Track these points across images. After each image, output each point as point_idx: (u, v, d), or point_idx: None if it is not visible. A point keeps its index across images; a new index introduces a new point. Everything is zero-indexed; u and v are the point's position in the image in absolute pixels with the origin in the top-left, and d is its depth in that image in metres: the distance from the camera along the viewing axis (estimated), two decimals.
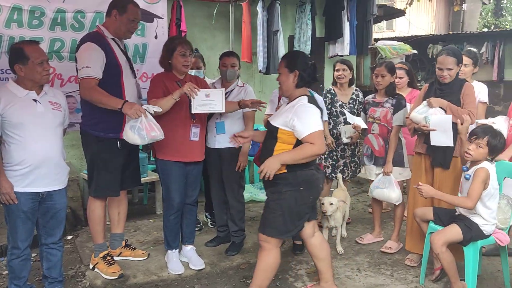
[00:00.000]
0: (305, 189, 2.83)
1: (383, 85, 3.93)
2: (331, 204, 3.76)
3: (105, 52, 3.14)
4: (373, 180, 4.03)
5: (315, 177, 2.88)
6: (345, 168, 4.42)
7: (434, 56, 12.60)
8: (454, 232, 2.98)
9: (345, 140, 4.19)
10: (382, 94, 3.97)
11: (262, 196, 4.24)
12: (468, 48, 5.03)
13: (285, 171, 2.79)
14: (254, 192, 5.55)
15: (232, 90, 3.78)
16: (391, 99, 3.92)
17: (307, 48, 5.99)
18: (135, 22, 3.29)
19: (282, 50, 5.81)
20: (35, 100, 2.79)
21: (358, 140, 4.35)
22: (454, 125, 3.25)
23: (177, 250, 3.62)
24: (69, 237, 4.19)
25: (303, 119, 2.73)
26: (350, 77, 4.37)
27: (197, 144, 3.43)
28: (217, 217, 4.07)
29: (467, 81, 3.57)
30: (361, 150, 4.30)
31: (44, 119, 2.81)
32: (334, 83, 4.46)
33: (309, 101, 2.82)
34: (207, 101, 3.18)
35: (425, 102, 3.41)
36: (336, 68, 4.35)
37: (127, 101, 3.06)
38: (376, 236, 4.11)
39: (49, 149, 2.82)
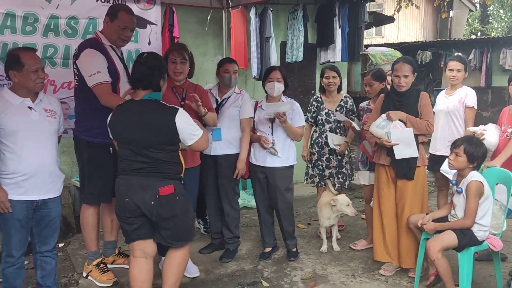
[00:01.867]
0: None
1: (373, 93, 4.03)
2: (348, 205, 3.91)
3: (106, 57, 3.15)
4: (366, 185, 4.09)
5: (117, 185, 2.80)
6: (331, 179, 4.30)
7: (423, 63, 12.77)
8: (450, 238, 3.01)
9: (332, 146, 4.16)
10: (375, 100, 4.01)
11: (254, 202, 4.25)
12: (457, 54, 5.11)
13: None
14: (246, 199, 5.56)
15: (229, 96, 3.78)
16: None
17: (299, 55, 6.02)
18: (127, 30, 3.25)
19: (274, 57, 5.83)
20: (30, 108, 2.77)
21: (347, 152, 4.28)
22: (416, 135, 3.36)
23: None
24: (60, 245, 4.14)
25: None
26: (339, 84, 4.31)
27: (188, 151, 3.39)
28: (212, 224, 4.06)
29: (423, 90, 3.62)
30: (351, 158, 4.28)
31: (39, 126, 2.79)
32: (322, 90, 4.37)
33: None
34: None
35: (383, 115, 3.45)
36: (326, 75, 4.24)
37: None
38: (370, 242, 4.13)
39: (44, 157, 2.80)
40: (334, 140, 4.18)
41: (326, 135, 4.21)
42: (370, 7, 11.17)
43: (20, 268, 2.90)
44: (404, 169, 3.44)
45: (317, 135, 4.32)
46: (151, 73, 2.71)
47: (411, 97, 3.46)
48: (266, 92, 3.85)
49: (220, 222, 3.99)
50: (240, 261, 3.90)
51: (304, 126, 3.90)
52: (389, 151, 3.44)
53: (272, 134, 3.76)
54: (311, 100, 4.46)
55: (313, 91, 6.90)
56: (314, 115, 4.34)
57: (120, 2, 4.17)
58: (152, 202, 2.64)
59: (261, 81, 3.93)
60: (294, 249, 3.97)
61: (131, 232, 2.77)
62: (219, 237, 4.05)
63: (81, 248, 4.04)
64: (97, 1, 4.03)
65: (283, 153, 3.77)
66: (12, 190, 2.72)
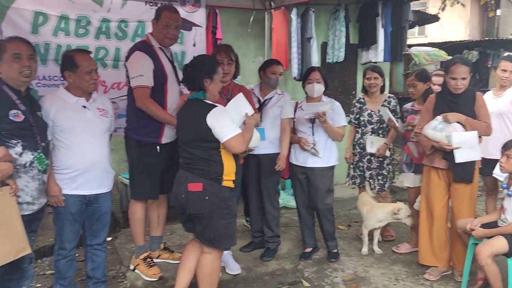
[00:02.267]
0: None
1: (416, 95, 3.95)
2: (408, 216, 3.93)
3: (152, 60, 3.25)
4: (410, 187, 4.02)
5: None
6: (371, 181, 4.26)
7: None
8: (501, 244, 2.93)
9: (370, 150, 4.11)
10: (420, 102, 3.94)
11: (294, 202, 4.27)
12: (507, 54, 4.91)
13: None
14: (286, 199, 5.58)
15: (272, 97, 3.82)
16: None
17: (340, 55, 5.98)
18: (170, 27, 3.32)
19: (315, 57, 5.82)
20: (84, 107, 2.90)
21: (389, 153, 4.20)
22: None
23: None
24: (108, 239, 4.29)
25: None
26: (382, 84, 4.25)
27: None
28: (253, 223, 4.12)
29: (478, 92, 3.48)
30: (393, 160, 4.17)
31: (92, 125, 2.91)
32: (364, 90, 4.33)
33: None
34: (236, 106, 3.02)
35: (439, 117, 3.31)
36: (367, 76, 4.20)
37: None
38: (413, 246, 4.05)
39: (97, 154, 2.93)
40: (374, 143, 4.13)
41: (374, 134, 4.18)
42: (413, 5, 10.93)
43: (72, 260, 3.04)
44: (463, 172, 3.31)
45: (359, 136, 4.29)
46: (193, 75, 2.83)
47: (467, 98, 3.33)
48: (306, 93, 3.87)
49: (261, 221, 4.04)
50: (281, 260, 3.93)
51: (345, 126, 3.88)
52: (446, 154, 3.31)
53: (313, 135, 3.77)
54: (354, 101, 4.43)
55: (353, 92, 6.83)
56: (357, 116, 4.32)
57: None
58: (183, 196, 2.78)
59: (301, 82, 3.93)
60: (335, 250, 3.96)
61: (183, 224, 3.01)
62: (260, 235, 4.10)
63: (128, 242, 4.19)
64: (145, 4, 4.18)
65: (324, 154, 3.77)
66: (65, 185, 2.86)
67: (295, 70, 5.73)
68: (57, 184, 2.83)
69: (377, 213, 4.00)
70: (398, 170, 4.30)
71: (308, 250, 4.00)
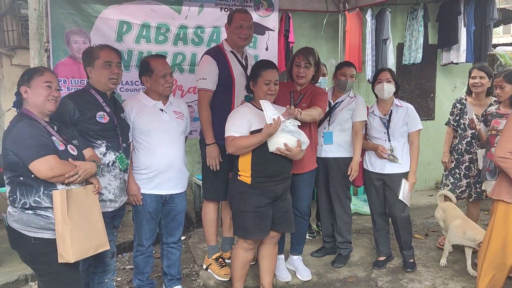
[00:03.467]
0: None
1: (503, 97, 3.64)
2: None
3: (218, 62, 3.33)
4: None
5: None
6: (467, 189, 4.00)
7: None
8: None
9: (481, 165, 3.74)
10: (506, 105, 3.65)
11: (366, 208, 4.12)
12: None
13: None
14: (358, 205, 5.44)
15: (343, 100, 3.74)
16: None
17: (418, 56, 5.74)
18: (243, 27, 3.37)
19: (391, 59, 5.64)
20: (161, 110, 3.03)
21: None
22: None
23: (283, 256, 3.66)
24: (182, 238, 4.45)
25: None
26: (489, 86, 3.92)
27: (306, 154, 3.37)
28: (323, 228, 4.05)
29: None
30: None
31: (169, 127, 3.03)
32: (469, 91, 4.06)
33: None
34: (277, 112, 2.84)
35: None
36: (472, 75, 3.93)
37: (216, 143, 3.30)
38: None
39: (173, 155, 3.04)
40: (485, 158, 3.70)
41: (474, 140, 3.93)
42: (499, 3, 10.23)
43: (149, 257, 3.17)
44: None
45: (457, 141, 4.08)
46: (248, 78, 3.14)
47: None
48: (376, 96, 3.73)
49: (332, 226, 3.96)
50: (353, 267, 3.83)
51: (421, 129, 3.68)
52: None
53: (389, 141, 3.63)
54: (454, 101, 4.18)
55: (432, 94, 6.52)
56: (457, 118, 4.09)
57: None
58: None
59: (371, 85, 3.80)
60: (411, 260, 3.78)
61: None
62: (331, 241, 4.02)
63: (201, 241, 4.31)
64: (221, 11, 4.29)
65: (403, 159, 3.62)
66: (144, 185, 3.00)
67: (369, 72, 5.59)
68: (136, 184, 2.98)
69: (468, 234, 3.65)
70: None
71: (382, 258, 3.86)
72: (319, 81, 4.09)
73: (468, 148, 3.98)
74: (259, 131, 2.87)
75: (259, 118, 2.92)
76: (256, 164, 2.92)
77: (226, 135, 2.96)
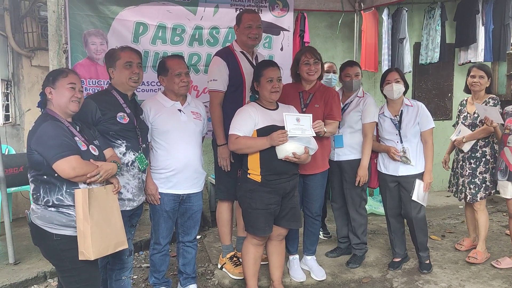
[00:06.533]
0: None
1: None
2: None
3: (228, 63, 3.36)
4: (508, 198, 3.67)
5: None
6: (463, 189, 3.93)
7: None
8: None
9: (453, 137, 3.77)
10: None
11: (382, 209, 4.09)
12: None
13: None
14: (374, 205, 5.41)
15: (352, 101, 3.70)
16: None
17: (435, 55, 5.67)
18: (252, 27, 3.38)
19: (408, 58, 5.60)
20: (179, 110, 3.06)
21: (487, 157, 3.82)
22: None
23: (297, 256, 3.66)
24: (198, 237, 4.49)
25: None
26: (487, 85, 3.88)
27: (317, 155, 3.34)
28: (338, 229, 4.04)
29: None
30: (493, 166, 3.81)
31: (187, 127, 3.06)
32: (467, 90, 4.01)
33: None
34: (298, 125, 2.91)
35: None
36: (471, 74, 3.89)
37: (227, 144, 3.21)
38: None
39: (191, 155, 3.07)
40: (461, 132, 3.85)
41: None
42: None
43: (165, 255, 3.21)
44: None
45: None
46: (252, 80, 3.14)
47: None
48: (385, 97, 3.70)
49: (346, 227, 3.95)
50: (368, 268, 3.81)
51: (433, 128, 3.63)
52: None
53: (401, 142, 3.59)
54: (458, 104, 4.17)
55: (449, 94, 6.45)
56: (457, 119, 4.09)
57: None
58: None
59: (379, 87, 3.76)
60: (427, 261, 3.75)
61: None
62: (346, 241, 4.01)
63: (216, 241, 4.34)
64: (236, 11, 4.28)
65: (416, 160, 3.59)
66: (162, 184, 3.03)
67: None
68: (154, 184, 3.02)
69: None
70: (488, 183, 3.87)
71: (398, 259, 3.83)
72: (329, 77, 4.10)
73: (461, 147, 3.91)
74: (265, 129, 2.93)
75: (265, 117, 2.99)
76: (265, 162, 2.95)
77: (230, 132, 3.01)
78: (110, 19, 3.96)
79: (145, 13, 4.07)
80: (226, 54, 3.42)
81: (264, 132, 2.93)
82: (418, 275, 3.67)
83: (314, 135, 2.99)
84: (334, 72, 4.39)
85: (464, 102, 4.05)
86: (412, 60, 5.84)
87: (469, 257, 3.90)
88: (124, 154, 2.72)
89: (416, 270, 3.75)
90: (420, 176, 3.60)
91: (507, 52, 6.04)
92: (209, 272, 3.80)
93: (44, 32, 5.12)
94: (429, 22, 5.75)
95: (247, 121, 2.97)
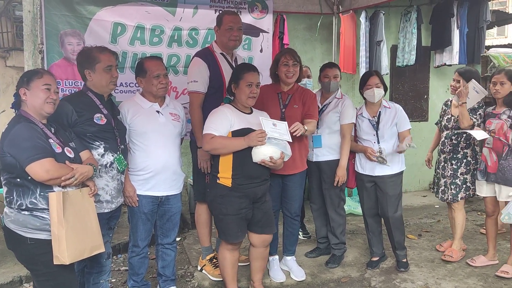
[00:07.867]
0: None
1: (502, 94, 3.66)
2: None
3: (208, 65, 3.35)
4: (484, 196, 3.77)
5: None
6: (445, 189, 4.00)
7: None
8: None
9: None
10: (500, 104, 3.70)
11: (360, 209, 4.14)
12: None
13: None
14: (352, 205, 5.47)
15: (330, 102, 3.74)
16: (508, 110, 3.63)
17: (411, 58, 5.78)
18: (233, 29, 3.39)
19: (385, 60, 5.68)
20: (158, 112, 3.04)
21: (465, 160, 3.88)
22: None
23: (277, 256, 3.68)
24: (177, 239, 4.46)
25: None
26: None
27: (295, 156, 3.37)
28: (317, 229, 4.07)
29: None
30: (473, 167, 3.88)
31: (165, 129, 3.04)
32: (453, 92, 4.00)
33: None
34: (275, 129, 2.91)
35: None
36: (454, 77, 3.94)
37: None
38: (490, 259, 3.81)
39: (169, 157, 3.05)
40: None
41: (447, 140, 3.93)
42: (492, 5, 10.31)
43: (144, 258, 3.18)
44: None
45: (442, 140, 4.07)
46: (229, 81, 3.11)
47: None
48: (364, 99, 3.76)
49: (325, 227, 3.98)
50: (347, 267, 3.86)
51: (409, 129, 3.69)
52: None
53: (378, 143, 3.65)
54: (442, 104, 4.21)
55: (425, 96, 6.57)
56: (440, 119, 4.14)
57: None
58: None
59: (358, 89, 3.81)
60: (405, 260, 3.81)
61: None
62: (325, 241, 4.05)
63: (195, 243, 4.32)
64: (215, 13, 4.27)
65: (392, 160, 3.65)
66: (140, 186, 3.00)
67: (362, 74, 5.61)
68: (132, 185, 2.99)
69: None
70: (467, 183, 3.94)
71: (375, 258, 3.89)
72: (304, 82, 4.12)
73: (442, 148, 3.99)
74: (241, 131, 2.90)
75: (241, 119, 2.97)
76: (238, 165, 2.92)
77: (204, 132, 2.96)
78: (87, 19, 3.91)
79: (123, 14, 4.03)
80: (206, 55, 3.41)
81: (239, 134, 2.90)
82: (395, 273, 3.73)
83: (291, 140, 2.98)
84: (309, 77, 4.43)
85: (449, 103, 4.08)
86: (389, 62, 5.93)
87: (444, 255, 3.98)
88: (102, 156, 2.69)
89: (393, 269, 3.81)
90: (396, 176, 3.66)
91: (481, 54, 6.20)
92: (188, 274, 3.78)
93: (19, 32, 5.03)
94: (406, 25, 5.86)
95: (223, 121, 2.94)
